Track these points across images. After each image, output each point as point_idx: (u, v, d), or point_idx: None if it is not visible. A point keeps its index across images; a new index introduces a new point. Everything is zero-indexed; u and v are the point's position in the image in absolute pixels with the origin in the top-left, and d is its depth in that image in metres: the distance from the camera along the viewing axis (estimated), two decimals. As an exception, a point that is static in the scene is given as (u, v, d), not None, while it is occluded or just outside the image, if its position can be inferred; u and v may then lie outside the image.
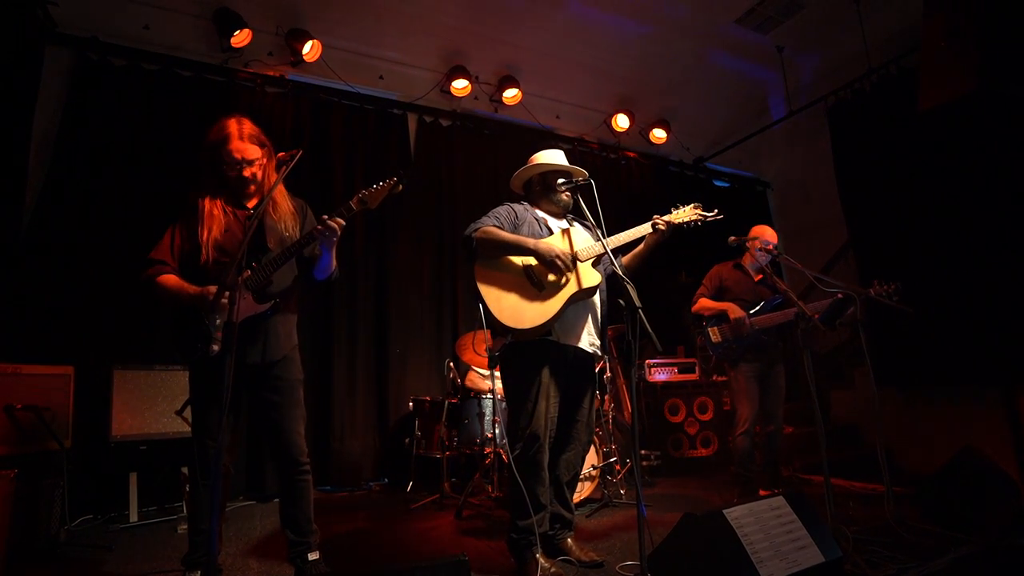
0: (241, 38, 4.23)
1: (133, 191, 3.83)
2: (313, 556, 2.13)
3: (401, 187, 2.11)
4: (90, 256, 3.65)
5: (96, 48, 3.92)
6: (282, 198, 2.18)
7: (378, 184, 2.07)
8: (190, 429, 3.27)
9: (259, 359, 2.06)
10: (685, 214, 2.44)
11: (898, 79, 4.70)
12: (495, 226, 2.36)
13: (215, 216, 2.07)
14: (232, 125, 2.08)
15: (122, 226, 3.75)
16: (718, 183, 6.82)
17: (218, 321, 2.00)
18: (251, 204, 2.16)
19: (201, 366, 2.04)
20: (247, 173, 2.09)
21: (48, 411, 2.82)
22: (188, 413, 3.36)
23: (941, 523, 2.60)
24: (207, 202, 2.09)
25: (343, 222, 2.02)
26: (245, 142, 2.07)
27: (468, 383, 4.13)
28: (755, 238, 3.41)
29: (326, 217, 2.01)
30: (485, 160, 5.26)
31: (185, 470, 3.35)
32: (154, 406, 3.33)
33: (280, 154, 1.99)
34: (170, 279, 2.05)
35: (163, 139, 3.99)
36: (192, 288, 2.02)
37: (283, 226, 2.14)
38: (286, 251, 2.05)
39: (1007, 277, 3.86)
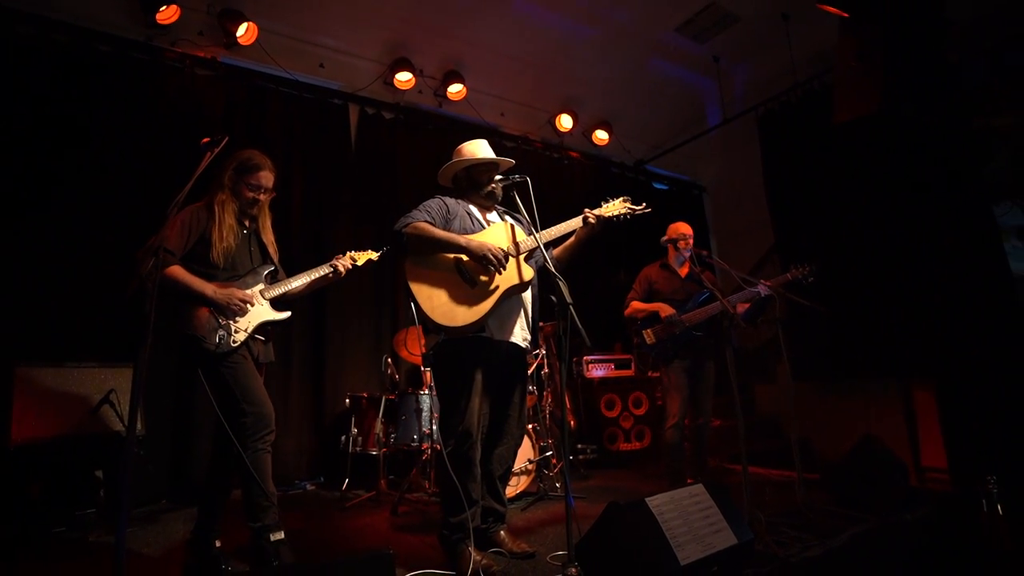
0: (167, 14, 3.98)
1: (37, 174, 3.53)
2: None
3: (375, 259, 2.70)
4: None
5: (-5, 14, 3.57)
6: (269, 223, 2.54)
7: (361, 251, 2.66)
8: (105, 428, 3.12)
9: (271, 357, 2.45)
10: (615, 207, 2.51)
11: (821, 94, 5.03)
12: (426, 221, 2.34)
13: (230, 226, 2.31)
14: (262, 156, 2.42)
15: (24, 212, 3.45)
16: (657, 185, 7.06)
17: (238, 321, 2.27)
18: (247, 221, 2.47)
19: (209, 355, 2.21)
20: (261, 198, 2.43)
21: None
22: (104, 411, 3.18)
23: (843, 504, 2.85)
24: (224, 210, 2.32)
25: None
26: (270, 174, 2.43)
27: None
28: (679, 237, 3.58)
29: (343, 266, 2.54)
30: (428, 154, 5.18)
31: (100, 474, 3.15)
32: (64, 406, 3.10)
33: (204, 139, 1.94)
34: (179, 271, 2.22)
35: (78, 120, 3.70)
36: (213, 287, 2.23)
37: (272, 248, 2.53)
38: (310, 285, 2.50)
39: (907, 280, 4.23)
